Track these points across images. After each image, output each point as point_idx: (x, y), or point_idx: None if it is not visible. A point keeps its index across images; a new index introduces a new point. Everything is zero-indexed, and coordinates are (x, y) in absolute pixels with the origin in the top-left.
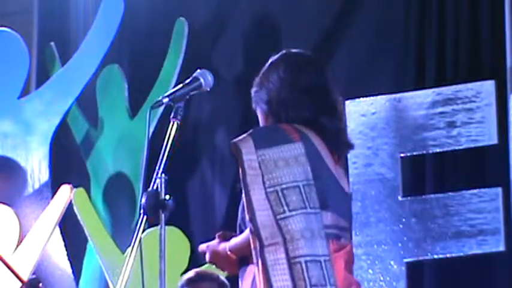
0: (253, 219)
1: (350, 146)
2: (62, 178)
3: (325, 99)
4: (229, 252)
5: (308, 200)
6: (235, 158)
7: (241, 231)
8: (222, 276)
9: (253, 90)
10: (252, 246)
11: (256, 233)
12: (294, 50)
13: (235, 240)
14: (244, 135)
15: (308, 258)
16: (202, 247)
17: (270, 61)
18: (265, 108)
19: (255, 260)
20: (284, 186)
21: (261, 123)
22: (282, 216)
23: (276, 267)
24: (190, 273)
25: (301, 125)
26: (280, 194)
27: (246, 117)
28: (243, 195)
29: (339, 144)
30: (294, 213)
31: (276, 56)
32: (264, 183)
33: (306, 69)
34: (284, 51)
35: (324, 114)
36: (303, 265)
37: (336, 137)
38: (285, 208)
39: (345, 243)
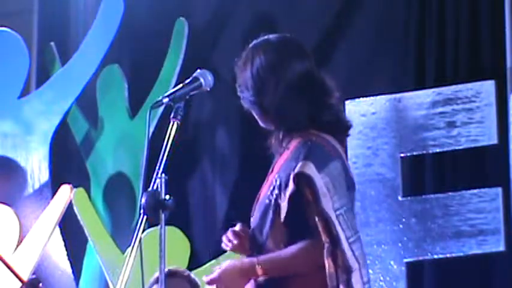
0: (336, 243)
1: (350, 126)
2: (62, 178)
3: (318, 89)
4: (257, 266)
5: (355, 219)
6: (299, 189)
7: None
8: (193, 275)
9: (238, 88)
10: (329, 269)
11: (343, 257)
12: (274, 36)
13: (273, 256)
14: (301, 162)
15: (370, 285)
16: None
17: (249, 53)
18: (260, 113)
19: (330, 284)
20: (345, 208)
21: (261, 123)
22: (351, 240)
23: None
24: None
25: (312, 129)
26: (345, 217)
27: (246, 117)
28: (319, 220)
29: (345, 134)
30: (356, 236)
31: (256, 45)
32: (333, 206)
33: (293, 59)
34: (265, 39)
35: (323, 106)
36: None
37: (341, 129)
38: (352, 232)
39: None
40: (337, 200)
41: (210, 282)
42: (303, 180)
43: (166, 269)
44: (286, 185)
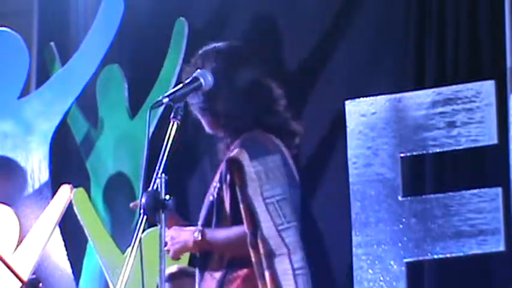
0: (258, 231)
1: (298, 133)
2: (62, 178)
3: (265, 96)
4: (199, 238)
5: (294, 212)
6: (229, 172)
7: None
8: None
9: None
10: (254, 259)
11: (264, 243)
12: (224, 44)
13: (218, 233)
14: (236, 149)
15: (305, 271)
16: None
17: (198, 60)
18: (210, 120)
19: (258, 274)
20: (278, 197)
21: (210, 129)
22: (282, 227)
23: (285, 277)
24: (173, 269)
25: (262, 130)
26: (276, 205)
27: None
28: (243, 207)
29: (292, 139)
30: (289, 225)
31: (206, 53)
32: (262, 194)
33: (242, 66)
34: (214, 46)
35: (270, 112)
36: (305, 277)
37: (288, 134)
38: (283, 220)
39: None
40: (269, 189)
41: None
42: (233, 165)
43: (176, 268)
44: (226, 177)
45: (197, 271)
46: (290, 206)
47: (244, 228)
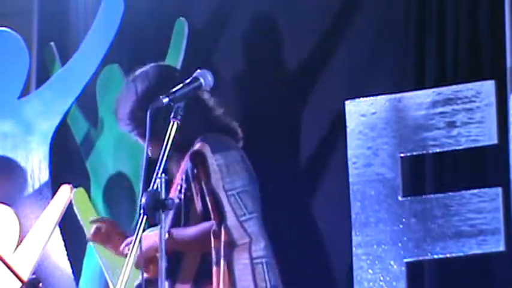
0: (223, 221)
1: (240, 133)
2: (62, 178)
3: (203, 107)
4: (166, 236)
5: (254, 204)
6: (194, 165)
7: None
8: None
9: (121, 123)
10: (213, 245)
11: (227, 233)
12: (151, 67)
13: (184, 231)
14: (199, 143)
15: (267, 260)
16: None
17: (130, 86)
18: (151, 141)
19: (215, 260)
20: (239, 190)
21: (153, 152)
22: (243, 218)
23: (240, 267)
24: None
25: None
26: (237, 197)
27: (245, 117)
28: (209, 199)
29: (238, 139)
30: (251, 216)
31: (135, 78)
32: (223, 186)
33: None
34: (143, 71)
35: (213, 118)
36: (264, 266)
37: (236, 133)
38: (245, 211)
39: None
40: (230, 182)
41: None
42: (197, 158)
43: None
44: (193, 171)
45: (167, 284)
46: (251, 199)
47: (210, 223)
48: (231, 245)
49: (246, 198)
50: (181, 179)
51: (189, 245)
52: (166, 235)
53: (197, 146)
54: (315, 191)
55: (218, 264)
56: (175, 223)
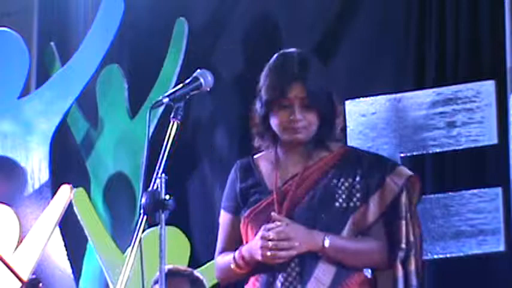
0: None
1: None
2: (62, 178)
3: None
4: (326, 238)
5: None
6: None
7: None
8: (197, 272)
9: None
10: (397, 274)
11: (416, 263)
12: None
13: (350, 243)
14: (399, 167)
15: None
16: None
17: None
18: None
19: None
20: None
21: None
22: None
23: None
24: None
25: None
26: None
27: (246, 117)
28: (408, 223)
29: None
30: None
31: None
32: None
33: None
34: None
35: None
36: None
37: None
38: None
39: None
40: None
41: (271, 228)
42: (416, 184)
43: (166, 269)
44: (374, 190)
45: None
46: None
47: (378, 243)
48: (418, 274)
49: None
50: (353, 186)
51: (348, 259)
52: (328, 242)
53: (404, 171)
54: None
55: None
56: (327, 227)
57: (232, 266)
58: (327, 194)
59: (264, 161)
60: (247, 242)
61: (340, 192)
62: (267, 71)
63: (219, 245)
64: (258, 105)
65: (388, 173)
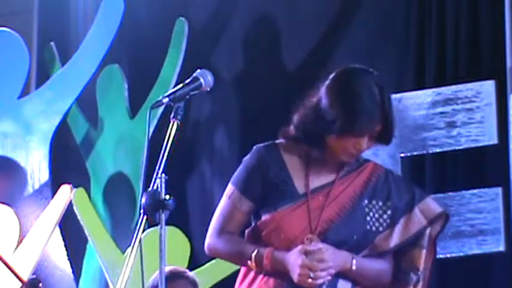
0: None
1: None
2: (62, 178)
3: None
4: (353, 261)
5: None
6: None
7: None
8: (194, 275)
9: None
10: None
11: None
12: None
13: (370, 264)
14: (428, 199)
15: None
16: None
17: None
18: None
19: None
20: None
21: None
22: None
23: None
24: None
25: None
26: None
27: (246, 117)
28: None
29: None
30: None
31: None
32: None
33: None
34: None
35: None
36: None
37: None
38: None
39: None
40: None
41: (312, 252)
42: (446, 221)
43: (168, 271)
44: (400, 216)
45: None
46: None
47: (389, 265)
48: None
49: None
50: (384, 209)
51: (366, 280)
52: (354, 265)
53: (435, 205)
54: None
55: None
56: (357, 247)
57: (250, 262)
58: (359, 215)
59: (288, 153)
60: (267, 241)
61: (371, 214)
62: (345, 96)
63: (218, 224)
64: (321, 113)
65: (417, 202)
